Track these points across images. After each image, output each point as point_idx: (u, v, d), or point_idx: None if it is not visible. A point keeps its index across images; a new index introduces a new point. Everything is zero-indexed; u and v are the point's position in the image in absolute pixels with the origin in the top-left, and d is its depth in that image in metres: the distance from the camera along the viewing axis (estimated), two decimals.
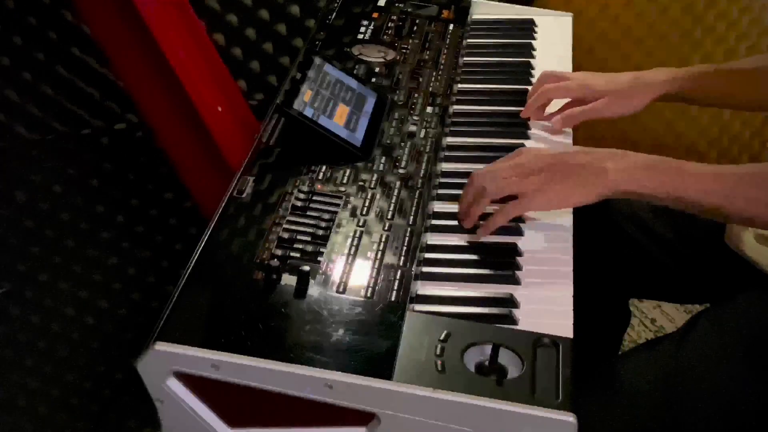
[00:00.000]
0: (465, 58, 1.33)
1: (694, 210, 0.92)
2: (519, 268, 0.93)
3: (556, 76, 1.19)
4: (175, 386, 0.84)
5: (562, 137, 1.17)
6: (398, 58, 1.27)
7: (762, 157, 1.28)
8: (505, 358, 0.80)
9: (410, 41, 1.31)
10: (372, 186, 1.01)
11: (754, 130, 1.87)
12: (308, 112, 1.05)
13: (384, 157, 1.07)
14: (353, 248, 0.92)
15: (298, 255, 0.90)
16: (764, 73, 1.12)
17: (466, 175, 1.08)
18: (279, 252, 0.90)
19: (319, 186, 1.00)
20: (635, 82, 1.14)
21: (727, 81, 1.14)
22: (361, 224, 0.95)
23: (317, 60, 1.14)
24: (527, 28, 1.42)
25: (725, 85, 1.14)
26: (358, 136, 1.08)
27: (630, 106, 1.15)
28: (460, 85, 1.27)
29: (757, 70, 1.13)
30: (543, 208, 0.96)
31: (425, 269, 0.93)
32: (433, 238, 0.98)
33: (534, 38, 1.39)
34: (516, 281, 0.91)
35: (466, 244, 0.97)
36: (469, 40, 1.37)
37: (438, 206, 1.03)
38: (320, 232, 0.93)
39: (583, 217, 1.02)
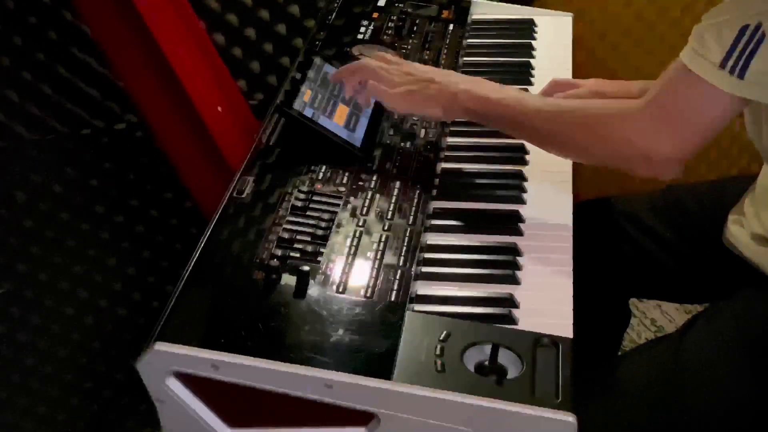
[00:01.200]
0: (465, 58, 1.33)
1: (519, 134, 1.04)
2: (519, 268, 0.93)
3: (565, 84, 1.18)
4: (175, 386, 0.84)
5: None
6: None
7: (761, 158, 1.28)
8: (505, 358, 0.80)
9: (410, 41, 1.31)
10: (372, 186, 1.01)
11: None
12: (308, 112, 1.05)
13: (384, 157, 1.07)
14: (353, 248, 0.92)
15: (298, 255, 0.90)
16: None
17: (466, 175, 1.09)
18: (279, 252, 0.90)
19: (319, 186, 1.00)
20: (645, 90, 1.13)
21: None
22: (361, 224, 0.95)
23: (317, 60, 1.13)
24: (527, 28, 1.42)
25: None
26: (357, 137, 1.08)
27: None
28: None
29: None
30: (394, 108, 1.06)
31: (425, 269, 0.93)
32: (433, 238, 0.98)
33: (534, 38, 1.39)
34: (516, 281, 0.91)
35: (466, 244, 0.97)
36: (469, 40, 1.37)
37: (438, 206, 1.03)
38: (320, 232, 0.93)
39: (583, 217, 1.02)
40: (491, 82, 1.03)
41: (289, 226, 0.94)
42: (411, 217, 0.97)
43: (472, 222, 1.01)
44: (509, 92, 1.01)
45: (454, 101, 1.01)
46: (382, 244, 0.93)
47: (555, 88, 1.18)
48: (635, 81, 1.17)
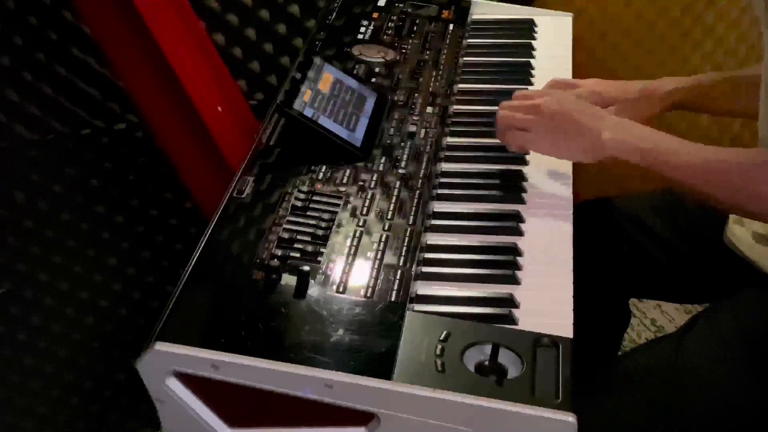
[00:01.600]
0: (465, 58, 1.32)
1: (676, 188, 0.97)
2: (519, 268, 0.93)
3: (566, 84, 1.18)
4: (175, 386, 0.84)
5: None
6: (398, 58, 1.27)
7: None
8: (505, 358, 0.80)
9: (410, 41, 1.31)
10: (372, 186, 1.01)
11: (754, 131, 1.87)
12: (308, 112, 1.05)
13: (384, 157, 1.07)
14: (353, 248, 0.92)
15: (298, 255, 0.90)
16: None
17: (466, 175, 1.09)
18: (279, 252, 0.90)
19: (319, 186, 1.00)
20: (645, 92, 1.14)
21: (737, 89, 1.12)
22: (361, 224, 0.95)
23: (317, 60, 1.14)
24: (527, 28, 1.42)
25: (735, 94, 1.12)
26: (358, 136, 1.08)
27: (639, 116, 1.13)
28: (460, 85, 1.27)
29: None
30: (541, 152, 1.04)
31: (425, 269, 0.93)
32: (433, 238, 0.98)
33: (534, 38, 1.39)
34: (516, 281, 0.91)
35: (466, 244, 0.97)
36: (469, 40, 1.37)
37: (438, 206, 1.03)
38: (320, 232, 0.93)
39: (583, 217, 1.02)
40: (640, 126, 0.99)
41: (289, 226, 0.94)
42: (411, 217, 0.97)
43: (472, 222, 1.01)
44: (661, 142, 0.97)
45: (601, 150, 0.99)
46: (382, 244, 0.93)
47: (555, 88, 1.18)
48: (635, 81, 1.17)
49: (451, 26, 1.37)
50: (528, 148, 1.06)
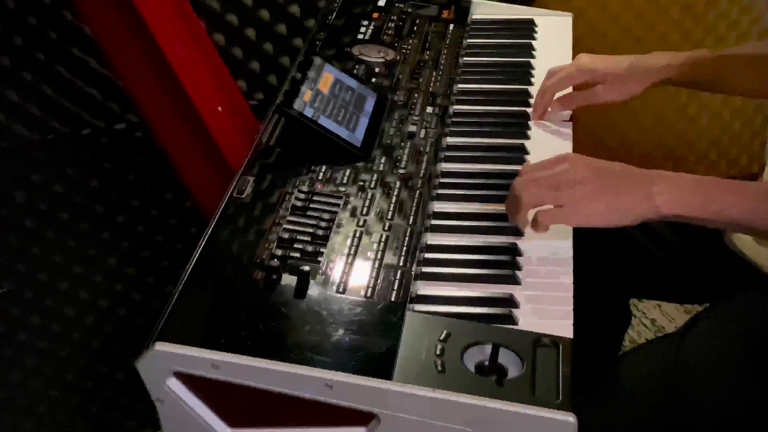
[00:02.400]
0: (465, 58, 1.32)
1: (740, 230, 0.90)
2: (519, 268, 0.93)
3: (559, 69, 1.19)
4: (175, 386, 0.84)
5: (562, 138, 1.17)
6: (398, 58, 1.27)
7: (762, 158, 1.28)
8: (505, 358, 0.80)
9: (410, 41, 1.31)
10: (372, 186, 1.01)
11: (754, 131, 1.87)
12: (308, 112, 1.05)
13: (384, 157, 1.07)
14: (353, 248, 0.92)
15: (298, 255, 0.90)
16: (765, 59, 1.12)
17: (466, 175, 1.09)
18: (279, 252, 0.90)
19: (319, 186, 1.00)
20: (634, 67, 1.15)
21: (727, 66, 1.13)
22: (361, 224, 0.95)
23: (317, 60, 1.14)
24: (527, 28, 1.42)
25: (725, 71, 1.13)
26: (358, 136, 1.08)
27: (628, 91, 1.15)
28: (460, 85, 1.26)
29: (757, 57, 1.13)
30: (582, 224, 0.90)
31: (425, 269, 0.93)
32: (433, 238, 0.98)
33: (534, 38, 1.39)
34: (516, 281, 0.91)
35: (466, 244, 0.97)
36: (469, 40, 1.37)
37: (438, 206, 1.03)
38: (320, 232, 0.93)
39: None
40: (690, 177, 0.90)
41: (289, 226, 0.94)
42: (411, 217, 0.97)
43: (472, 222, 1.01)
44: (713, 191, 0.89)
45: (655, 212, 0.88)
46: (382, 244, 0.93)
47: (551, 77, 1.18)
48: (625, 56, 1.17)
49: (451, 26, 1.37)
50: (564, 222, 0.92)
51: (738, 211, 0.87)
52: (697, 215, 0.88)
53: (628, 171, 0.90)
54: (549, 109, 1.18)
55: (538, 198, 0.90)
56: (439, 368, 0.78)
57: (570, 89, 1.19)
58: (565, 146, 1.15)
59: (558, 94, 1.18)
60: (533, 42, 1.38)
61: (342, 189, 1.00)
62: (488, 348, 0.81)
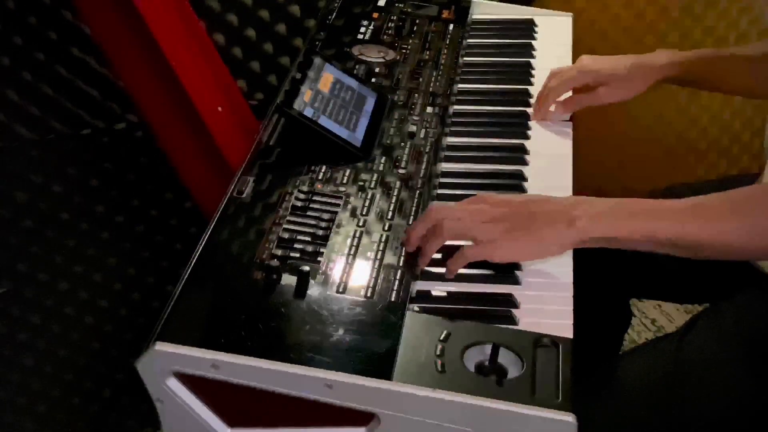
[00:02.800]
0: (465, 58, 1.32)
1: (672, 250, 0.85)
2: (519, 268, 0.93)
3: (561, 69, 1.20)
4: (175, 386, 0.84)
5: (562, 138, 1.17)
6: (398, 58, 1.27)
7: (762, 158, 1.29)
8: (505, 358, 0.80)
9: (410, 41, 1.31)
10: (372, 186, 1.01)
11: (755, 130, 1.87)
12: (308, 112, 1.05)
13: (384, 157, 1.07)
14: (353, 248, 0.92)
15: (298, 255, 0.90)
16: (765, 59, 1.12)
17: (466, 175, 1.09)
18: (279, 252, 0.90)
19: (319, 186, 1.00)
20: (636, 66, 1.15)
21: (728, 66, 1.14)
22: (361, 224, 0.95)
23: (317, 60, 1.14)
24: (527, 28, 1.42)
25: (726, 70, 1.14)
26: (358, 136, 1.08)
27: (630, 90, 1.15)
28: (460, 85, 1.27)
29: (757, 57, 1.13)
30: (505, 260, 0.89)
31: (425, 269, 0.93)
32: None
33: (534, 38, 1.39)
34: (516, 281, 0.91)
35: (466, 243, 0.97)
36: (469, 40, 1.37)
37: None
38: (320, 232, 0.93)
39: None
40: (612, 200, 0.87)
41: (289, 226, 0.94)
42: (411, 217, 0.97)
43: None
44: (643, 217, 0.86)
45: (579, 237, 0.85)
46: (382, 244, 0.93)
47: (553, 77, 1.18)
48: (627, 56, 1.17)
49: (451, 26, 1.37)
50: (488, 258, 0.89)
51: (672, 230, 0.84)
52: (625, 235, 0.85)
53: (546, 202, 0.88)
54: (551, 109, 1.18)
55: (459, 230, 0.88)
56: (439, 368, 0.78)
57: (571, 92, 1.19)
58: (565, 146, 1.15)
59: (560, 98, 1.18)
60: (533, 42, 1.38)
61: (342, 189, 1.00)
62: (488, 348, 0.81)
